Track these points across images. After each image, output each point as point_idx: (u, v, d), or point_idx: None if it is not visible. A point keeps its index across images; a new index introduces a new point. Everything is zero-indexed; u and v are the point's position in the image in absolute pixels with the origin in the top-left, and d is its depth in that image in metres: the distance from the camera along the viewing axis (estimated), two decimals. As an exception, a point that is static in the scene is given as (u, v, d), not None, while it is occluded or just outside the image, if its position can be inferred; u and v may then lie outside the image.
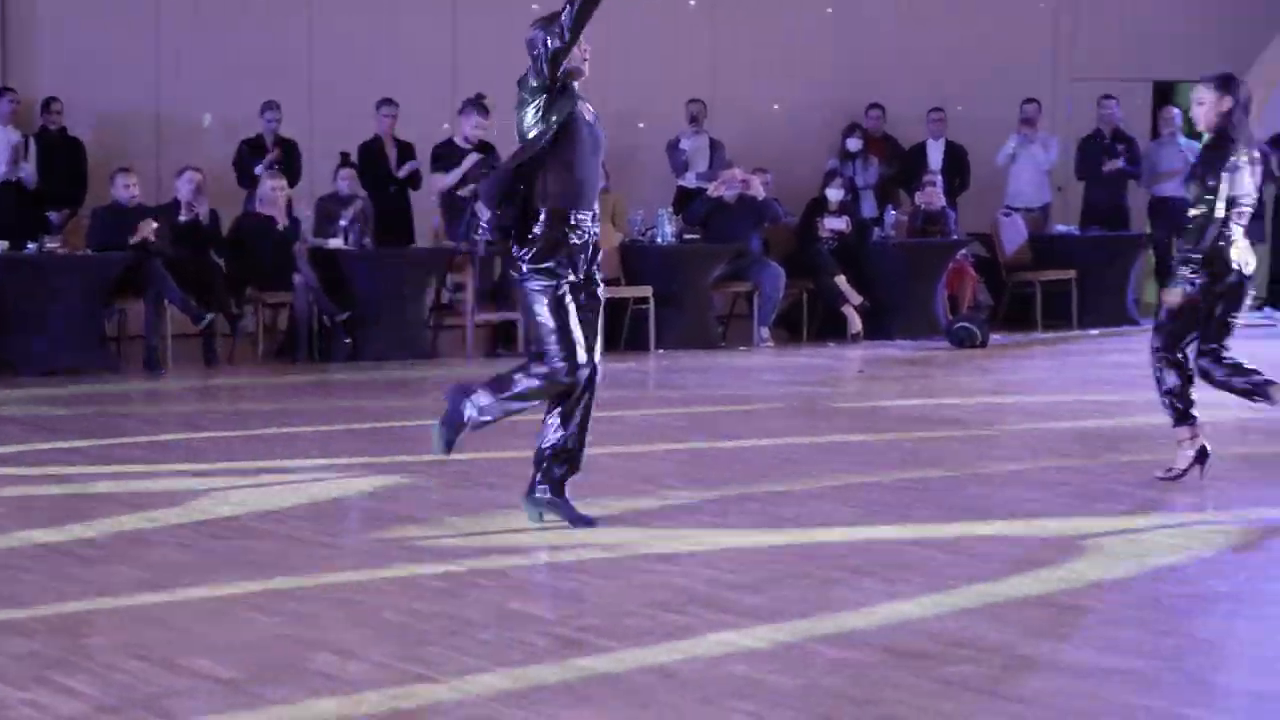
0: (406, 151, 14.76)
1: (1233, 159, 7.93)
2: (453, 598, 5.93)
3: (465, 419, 7.09)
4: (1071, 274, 16.15)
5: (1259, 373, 8.12)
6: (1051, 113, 17.62)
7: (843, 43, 17.53)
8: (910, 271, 15.35)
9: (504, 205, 7.00)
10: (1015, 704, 4.67)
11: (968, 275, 15.93)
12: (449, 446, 7.13)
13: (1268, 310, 17.06)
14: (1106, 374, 12.88)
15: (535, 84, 7.03)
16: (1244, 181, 7.96)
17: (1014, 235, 16.57)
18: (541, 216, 7.01)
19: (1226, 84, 8.03)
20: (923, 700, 4.71)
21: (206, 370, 13.07)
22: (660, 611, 5.74)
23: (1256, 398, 8.12)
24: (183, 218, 13.30)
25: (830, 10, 17.51)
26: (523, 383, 7.06)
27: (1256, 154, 8.08)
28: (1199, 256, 7.80)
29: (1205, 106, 8.04)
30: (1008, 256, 16.52)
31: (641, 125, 16.69)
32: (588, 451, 7.22)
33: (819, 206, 15.52)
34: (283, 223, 13.59)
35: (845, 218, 15.50)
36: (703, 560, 6.54)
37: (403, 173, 14.67)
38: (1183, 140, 17.15)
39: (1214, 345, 8.04)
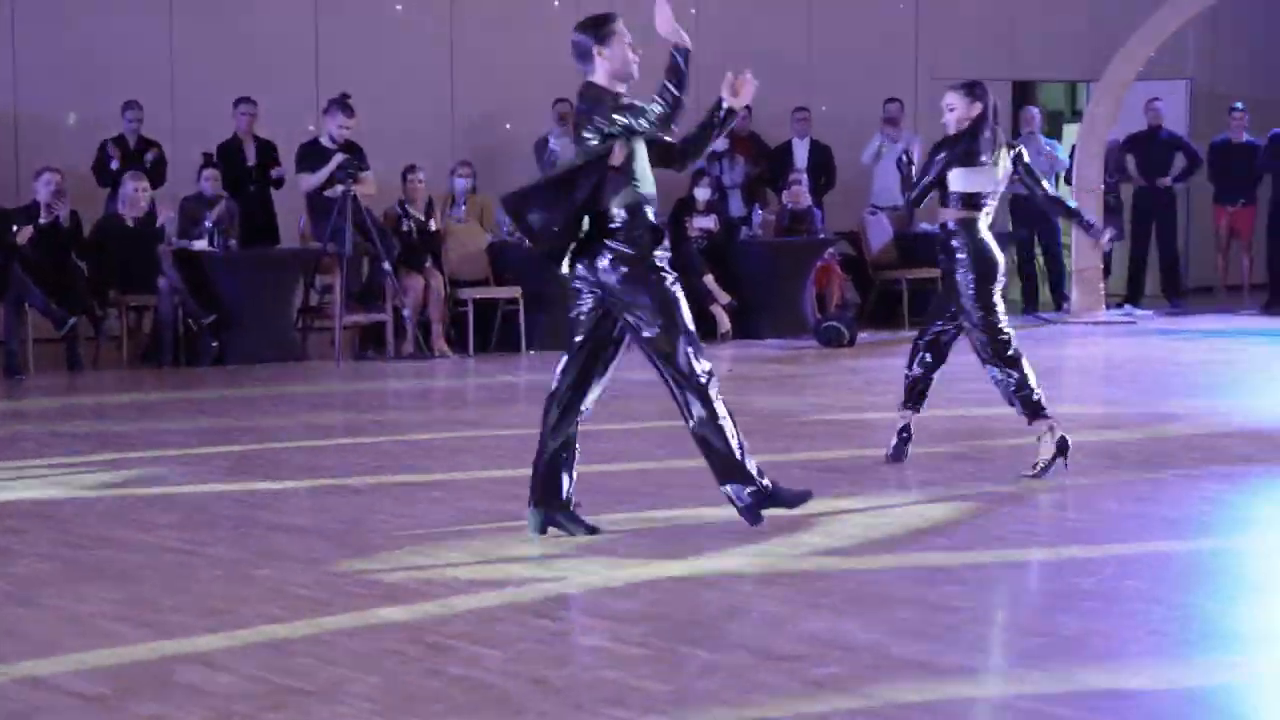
0: (266, 149, 14.61)
1: (983, 158, 8.24)
2: (322, 607, 5.87)
3: (749, 494, 6.88)
4: (937, 272, 16.22)
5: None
6: (914, 111, 17.78)
7: (708, 41, 17.54)
8: (778, 270, 15.43)
9: (562, 216, 6.87)
10: (884, 705, 4.70)
11: (835, 274, 16.04)
12: (758, 516, 6.92)
13: (1128, 307, 17.31)
14: (973, 370, 12.98)
15: (620, 129, 6.90)
16: (987, 179, 8.28)
17: (880, 234, 16.71)
18: (623, 215, 6.86)
19: (973, 90, 8.29)
20: (793, 703, 4.73)
21: (70, 375, 12.87)
22: (531, 618, 5.72)
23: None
24: (43, 220, 13.09)
25: (694, 11, 17.53)
26: (706, 402, 6.84)
27: (1010, 154, 8.41)
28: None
29: (956, 112, 8.29)
30: (874, 255, 16.66)
31: (509, 125, 16.64)
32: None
33: (687, 206, 15.56)
34: (152, 222, 13.43)
35: (713, 216, 15.56)
36: (574, 565, 6.52)
37: (274, 174, 14.49)
38: (1043, 140, 17.36)
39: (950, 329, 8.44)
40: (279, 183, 14.57)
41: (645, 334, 6.85)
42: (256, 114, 14.59)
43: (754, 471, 6.92)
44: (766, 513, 6.95)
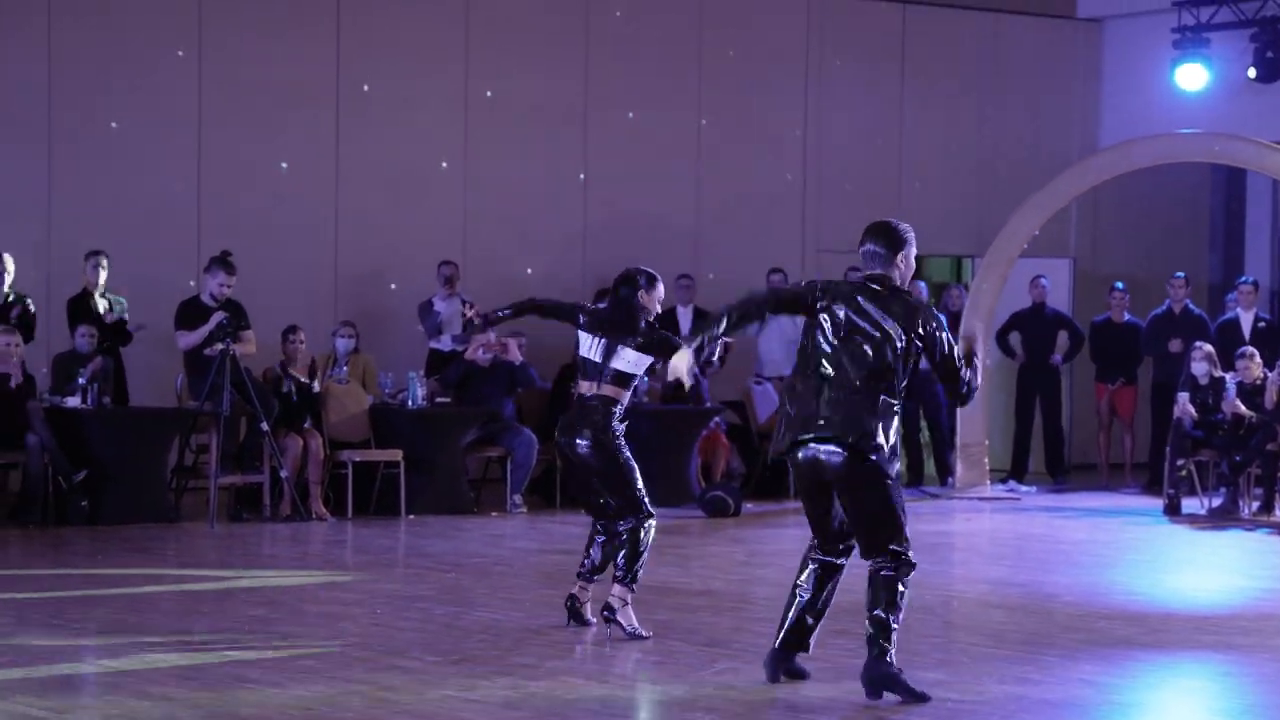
0: (117, 305, 14.34)
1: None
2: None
3: (894, 669, 7.15)
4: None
5: None
6: (801, 280, 17.83)
7: (595, 206, 17.63)
8: (663, 439, 15.34)
9: None
10: None
11: (720, 443, 15.97)
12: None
13: (1011, 483, 17.35)
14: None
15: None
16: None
17: (766, 403, 16.69)
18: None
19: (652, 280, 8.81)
20: None
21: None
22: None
23: None
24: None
25: (583, 176, 17.60)
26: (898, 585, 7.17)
27: None
28: None
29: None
30: (760, 424, 16.62)
31: (394, 286, 16.54)
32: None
33: (573, 372, 15.46)
34: (16, 380, 13.15)
35: (598, 383, 15.46)
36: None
37: (110, 318, 14.14)
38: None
39: None
40: (125, 338, 14.26)
41: None
42: (106, 266, 14.29)
43: None
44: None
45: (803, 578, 7.46)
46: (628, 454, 8.65)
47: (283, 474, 13.48)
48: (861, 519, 7.24)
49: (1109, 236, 20.23)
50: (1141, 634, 9.02)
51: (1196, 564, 12.38)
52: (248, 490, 13.96)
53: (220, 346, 13.22)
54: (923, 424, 17.69)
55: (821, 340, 7.27)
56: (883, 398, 7.16)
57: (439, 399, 14.65)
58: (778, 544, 13.03)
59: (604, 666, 7.90)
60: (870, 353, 7.18)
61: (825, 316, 7.29)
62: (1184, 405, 15.10)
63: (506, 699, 7.13)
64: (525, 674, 7.72)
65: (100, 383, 13.32)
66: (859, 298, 7.30)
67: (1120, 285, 17.94)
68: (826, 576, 7.45)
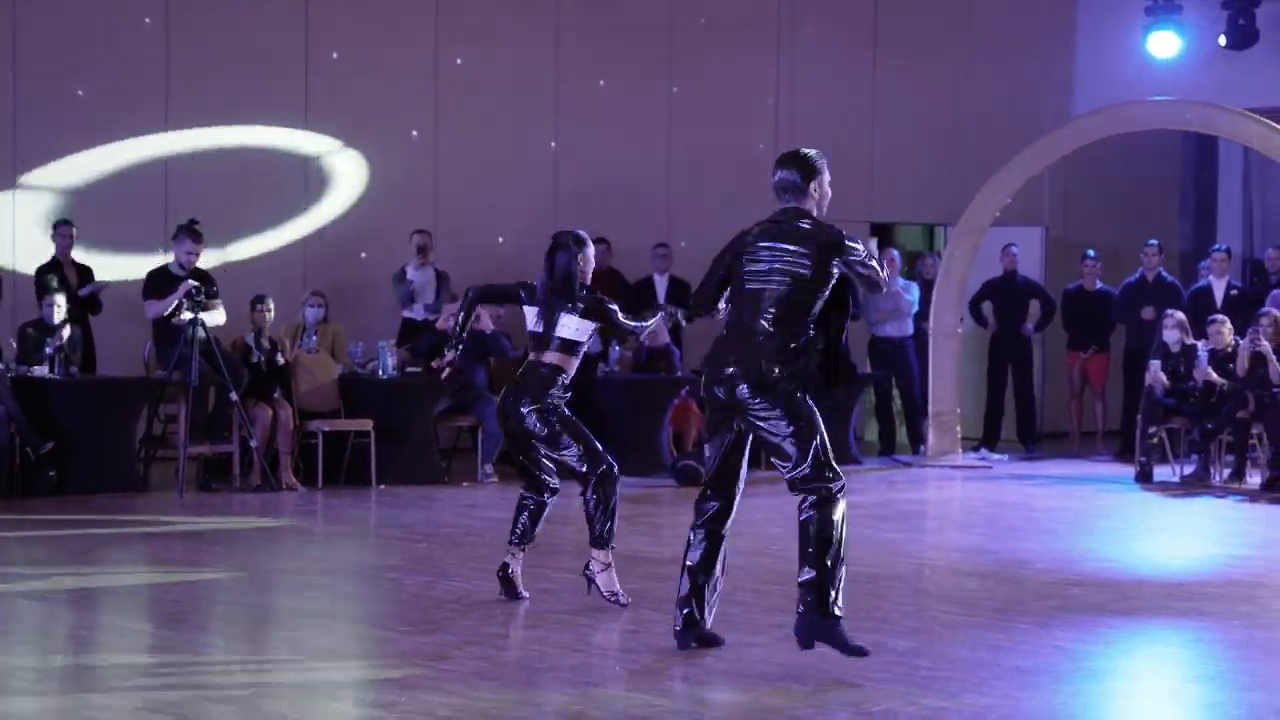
0: (86, 274, 14.28)
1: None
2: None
3: (839, 627, 7.07)
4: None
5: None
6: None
7: (567, 175, 17.56)
8: (635, 408, 15.31)
9: None
10: None
11: (692, 412, 15.93)
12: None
13: (983, 451, 17.36)
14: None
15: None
16: None
17: (737, 372, 16.64)
18: None
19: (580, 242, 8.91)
20: None
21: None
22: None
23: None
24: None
25: (554, 144, 17.53)
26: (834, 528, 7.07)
27: None
28: None
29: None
30: (731, 393, 16.57)
31: (364, 255, 16.46)
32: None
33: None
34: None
35: (569, 352, 15.41)
36: (422, 707, 6.30)
37: (84, 291, 14.11)
38: (900, 281, 17.46)
39: None
40: (96, 306, 14.19)
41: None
42: (74, 236, 14.23)
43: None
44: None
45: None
46: (571, 418, 8.59)
47: (252, 444, 13.41)
48: (772, 450, 7.20)
49: (1081, 204, 20.23)
50: (1113, 601, 9.01)
51: (1168, 531, 12.39)
52: (217, 460, 13.89)
53: (188, 316, 13.13)
54: (895, 392, 17.68)
55: (742, 282, 7.24)
56: (792, 338, 7.11)
57: (409, 368, 14.59)
58: (749, 512, 12.95)
59: (576, 635, 7.87)
60: (781, 290, 7.13)
61: (745, 259, 7.25)
62: (1155, 373, 15.11)
63: (478, 669, 7.09)
64: (496, 643, 7.70)
65: (68, 353, 13.23)
66: (768, 235, 7.26)
67: (1092, 253, 17.94)
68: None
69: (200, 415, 13.55)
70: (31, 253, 14.55)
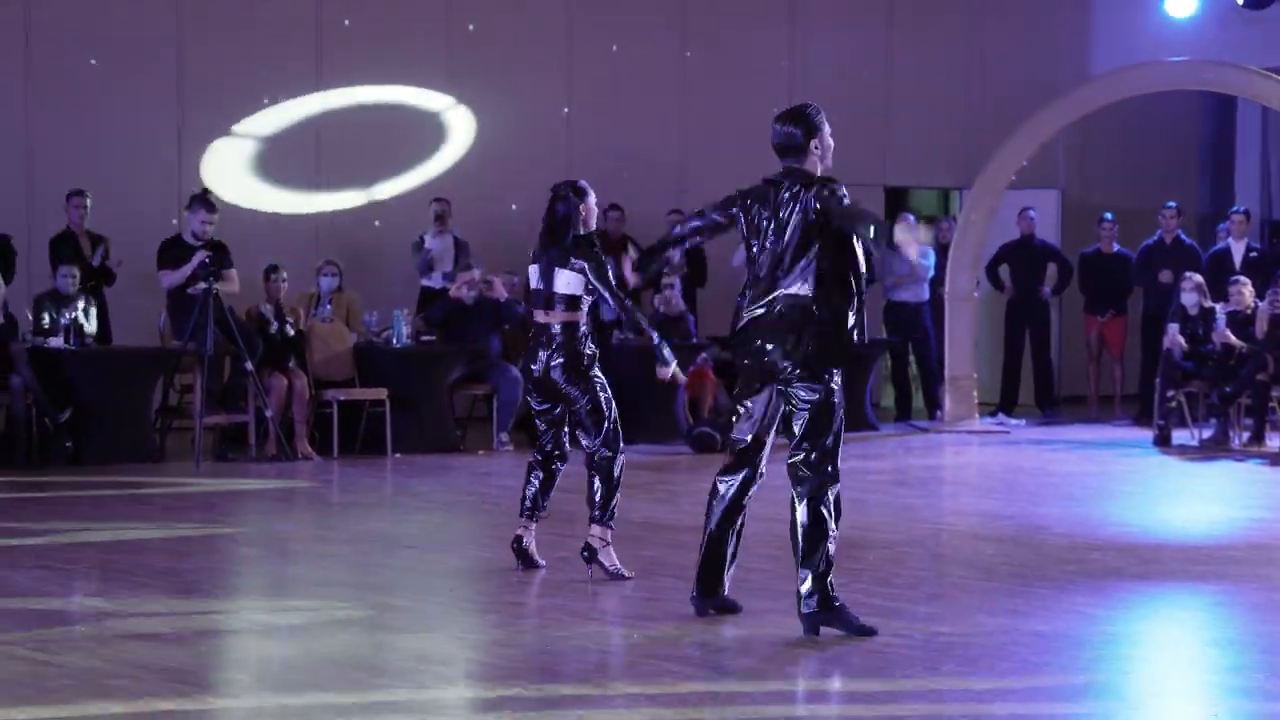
0: (99, 244, 14.24)
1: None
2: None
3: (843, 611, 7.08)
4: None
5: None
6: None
7: (580, 142, 17.49)
8: (650, 375, 15.20)
9: None
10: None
11: (708, 379, 15.88)
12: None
13: (1001, 416, 17.29)
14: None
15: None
16: None
17: (753, 338, 16.59)
18: None
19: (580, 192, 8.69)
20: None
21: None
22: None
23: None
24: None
25: (567, 110, 17.46)
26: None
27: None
28: None
29: None
30: (747, 359, 16.53)
31: (378, 223, 16.42)
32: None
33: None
34: (-1, 321, 13.06)
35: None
36: (440, 674, 6.28)
37: (95, 260, 14.06)
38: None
39: None
40: (110, 278, 14.16)
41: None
42: (88, 206, 14.18)
43: None
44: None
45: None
46: (606, 387, 8.52)
47: (268, 414, 13.39)
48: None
49: (1097, 167, 20.12)
50: (1132, 565, 8.97)
51: (1187, 495, 12.35)
52: (232, 430, 13.87)
53: (203, 285, 13.10)
54: (911, 358, 17.63)
55: (752, 247, 7.19)
56: (807, 306, 7.06)
57: (424, 337, 14.56)
58: (766, 479, 12.96)
59: (593, 604, 7.85)
60: (785, 250, 7.07)
61: (745, 223, 7.19)
62: (1174, 336, 15.04)
63: (496, 638, 7.08)
64: (514, 612, 7.68)
65: (82, 324, 13.20)
66: (769, 196, 7.19)
67: (1109, 216, 17.84)
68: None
69: (215, 385, 13.53)
70: (46, 222, 14.53)
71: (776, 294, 7.11)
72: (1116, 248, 17.67)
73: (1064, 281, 17.80)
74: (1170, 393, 15.06)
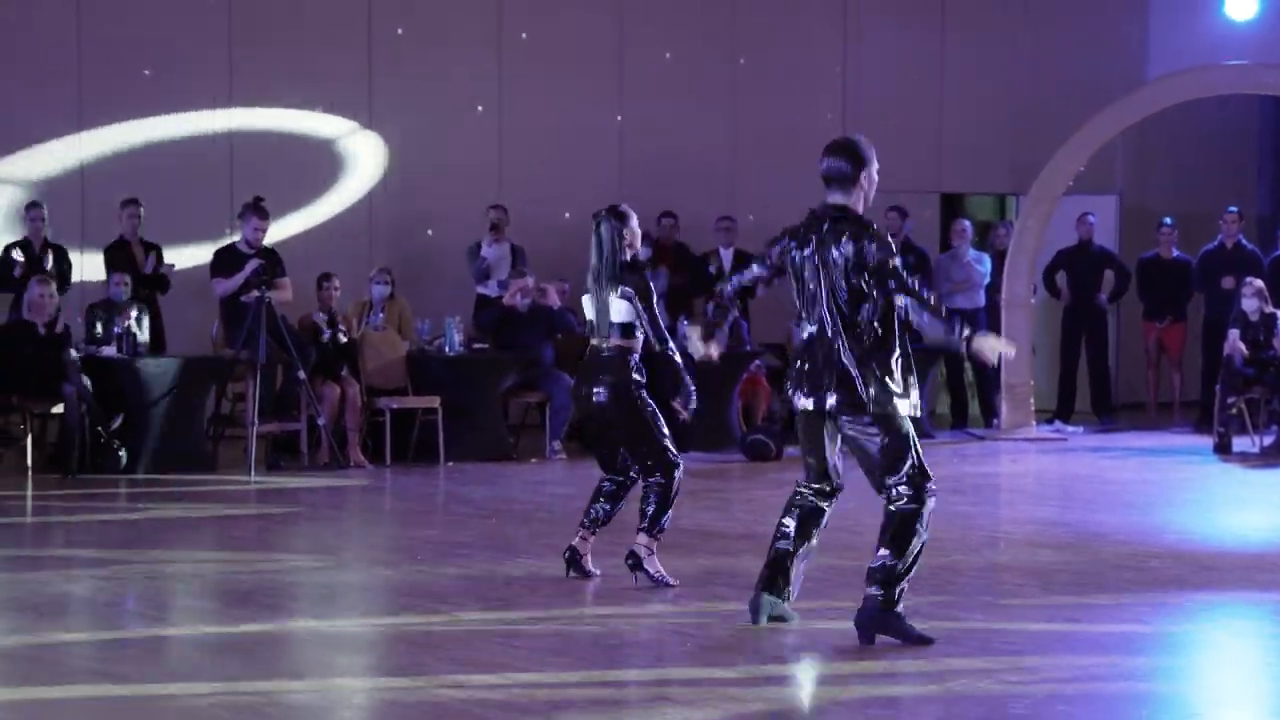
0: (151, 252, 14.27)
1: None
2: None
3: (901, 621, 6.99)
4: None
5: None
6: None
7: (632, 149, 17.45)
8: (703, 382, 15.12)
9: None
10: None
11: (761, 386, 15.81)
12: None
13: (1058, 424, 17.15)
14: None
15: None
16: None
17: (807, 345, 16.51)
18: None
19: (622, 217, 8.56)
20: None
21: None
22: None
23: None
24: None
25: (619, 118, 17.42)
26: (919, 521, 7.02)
27: None
28: None
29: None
30: (801, 367, 16.44)
31: (430, 232, 16.41)
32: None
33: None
34: (55, 328, 13.09)
35: (637, 328, 15.30)
36: (494, 686, 6.23)
37: (148, 268, 14.10)
38: (972, 252, 17.27)
39: None
40: (165, 285, 14.20)
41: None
42: (141, 215, 14.22)
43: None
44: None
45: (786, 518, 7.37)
46: (651, 405, 8.47)
47: (320, 422, 13.37)
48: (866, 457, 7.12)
49: (1156, 171, 19.93)
50: (1193, 573, 8.85)
51: (1248, 503, 12.19)
52: (285, 438, 13.86)
53: (256, 294, 13.10)
54: (966, 365, 17.49)
55: (796, 290, 7.18)
56: (860, 341, 6.98)
57: (477, 345, 14.52)
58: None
59: (648, 611, 7.78)
60: (835, 296, 7.01)
61: (790, 265, 7.19)
62: (1234, 342, 14.87)
63: (550, 645, 7.03)
64: (568, 620, 7.62)
65: (136, 332, 13.22)
66: (813, 238, 7.16)
67: (1168, 221, 17.68)
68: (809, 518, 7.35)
69: (268, 393, 13.53)
70: (99, 231, 14.56)
71: (811, 333, 7.06)
72: (1175, 253, 17.51)
73: (1121, 288, 17.64)
74: (1231, 399, 14.89)
